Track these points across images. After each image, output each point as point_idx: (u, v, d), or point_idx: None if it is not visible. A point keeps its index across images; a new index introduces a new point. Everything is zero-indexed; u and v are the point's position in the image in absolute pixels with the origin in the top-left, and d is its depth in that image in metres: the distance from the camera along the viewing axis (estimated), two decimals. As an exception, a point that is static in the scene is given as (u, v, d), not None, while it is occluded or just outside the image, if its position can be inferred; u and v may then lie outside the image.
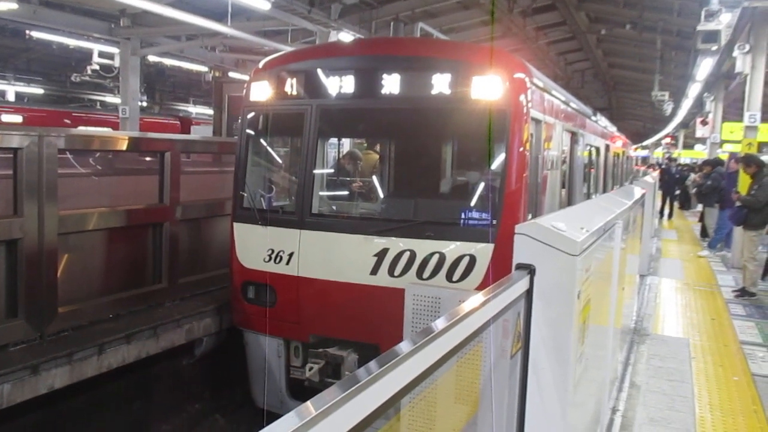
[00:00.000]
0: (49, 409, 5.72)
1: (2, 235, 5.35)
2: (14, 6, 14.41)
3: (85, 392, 5.96)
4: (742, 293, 9.96)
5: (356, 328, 6.01)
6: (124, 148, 7.08)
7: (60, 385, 5.47)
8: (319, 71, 6.36)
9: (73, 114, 23.03)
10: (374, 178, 7.72)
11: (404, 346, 1.70)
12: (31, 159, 5.43)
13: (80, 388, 5.79)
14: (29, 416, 5.55)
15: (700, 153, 35.70)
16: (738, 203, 10.31)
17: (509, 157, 5.74)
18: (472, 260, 5.64)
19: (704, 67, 17.23)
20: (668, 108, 27.75)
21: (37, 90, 29.30)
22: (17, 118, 20.35)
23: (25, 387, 5.15)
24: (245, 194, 6.66)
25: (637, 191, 7.86)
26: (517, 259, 2.94)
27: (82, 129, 19.35)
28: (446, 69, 5.86)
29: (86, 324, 6.11)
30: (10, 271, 5.45)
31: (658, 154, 53.92)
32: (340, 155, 8.26)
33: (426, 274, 5.74)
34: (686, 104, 26.60)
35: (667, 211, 22.58)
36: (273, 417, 1.20)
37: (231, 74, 22.01)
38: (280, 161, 7.63)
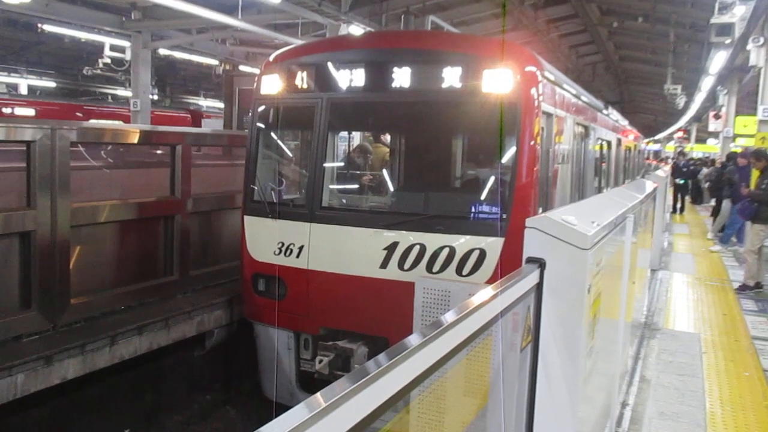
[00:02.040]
0: (61, 400, 5.78)
1: (16, 228, 5.40)
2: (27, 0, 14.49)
3: (98, 383, 6.02)
4: (742, 288, 9.92)
5: (366, 321, 6.02)
6: (136, 141, 7.12)
7: (73, 375, 5.52)
8: (330, 64, 6.35)
9: (85, 107, 23.15)
10: (384, 171, 7.72)
11: (413, 339, 1.71)
12: (43, 152, 5.48)
13: (92, 379, 5.84)
14: (43, 406, 5.62)
15: (712, 147, 35.44)
16: (748, 197, 10.25)
17: (520, 151, 5.72)
18: (483, 254, 5.63)
19: (717, 60, 17.09)
20: (681, 101, 27.57)
21: (49, 83, 29.46)
22: (30, 111, 20.49)
23: (38, 377, 5.21)
24: (256, 187, 6.68)
25: (649, 185, 7.82)
26: (527, 252, 2.94)
27: (93, 122, 19.46)
28: (457, 62, 5.84)
29: (98, 315, 6.16)
30: (23, 263, 5.51)
31: (670, 148, 53.55)
32: (351, 149, 8.26)
33: (436, 268, 5.74)
34: (699, 98, 26.44)
35: (678, 205, 22.46)
36: (283, 409, 1.21)
37: (241, 67, 22.03)
38: (290, 154, 7.64)
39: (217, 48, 21.46)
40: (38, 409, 5.60)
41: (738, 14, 12.86)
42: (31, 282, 5.52)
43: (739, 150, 17.23)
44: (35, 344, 5.41)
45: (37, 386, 5.21)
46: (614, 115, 13.94)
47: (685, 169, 23.52)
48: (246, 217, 6.70)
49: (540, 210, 5.90)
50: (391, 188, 7.47)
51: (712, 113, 25.45)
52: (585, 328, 3.03)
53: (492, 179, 6.12)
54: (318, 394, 1.30)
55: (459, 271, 5.68)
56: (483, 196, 6.11)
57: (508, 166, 5.84)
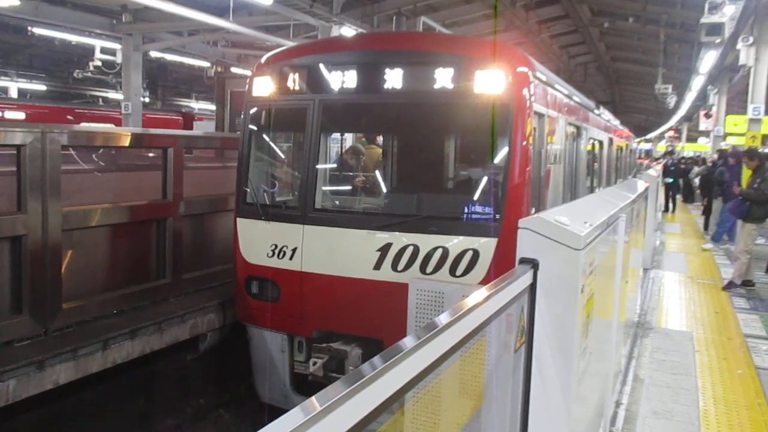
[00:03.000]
0: (54, 405, 5.75)
1: (6, 232, 5.36)
2: (16, 2, 14.41)
3: (90, 388, 5.99)
4: (729, 285, 9.97)
5: (360, 323, 6.02)
6: (127, 144, 7.08)
7: (65, 380, 5.49)
8: (322, 66, 6.35)
9: (76, 110, 23.06)
10: (377, 172, 7.72)
11: (408, 341, 1.71)
12: (34, 156, 5.44)
13: (85, 384, 5.81)
14: (35, 412, 5.58)
15: (703, 146, 35.64)
16: (740, 196, 10.29)
17: (512, 152, 5.73)
18: (476, 255, 5.64)
19: (708, 59, 17.20)
20: (671, 101, 27.72)
21: (40, 86, 29.32)
22: (20, 115, 20.38)
23: (30, 383, 5.17)
24: (248, 189, 6.67)
25: (641, 185, 7.85)
26: (520, 253, 2.94)
27: (84, 125, 19.37)
28: (449, 63, 5.84)
29: (90, 320, 6.12)
30: (14, 268, 5.47)
31: (661, 147, 53.83)
32: (343, 150, 8.25)
33: (429, 269, 5.74)
34: (690, 97, 26.60)
35: (670, 204, 22.57)
36: (277, 412, 1.21)
37: (233, 69, 21.99)
38: (283, 156, 7.63)
39: (209, 50, 21.44)
40: (31, 414, 5.56)
41: (728, 14, 12.95)
42: (23, 286, 5.48)
43: (727, 148, 17.32)
44: (27, 349, 5.37)
45: (29, 391, 5.17)
46: (606, 114, 13.99)
47: (672, 168, 23.65)
48: (239, 220, 6.68)
49: (533, 210, 5.92)
50: (384, 189, 7.47)
51: (702, 112, 25.59)
52: (578, 328, 3.03)
53: (485, 180, 6.13)
54: (313, 398, 1.29)
55: (452, 271, 5.68)
56: (476, 197, 6.12)
57: (501, 166, 5.85)
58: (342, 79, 6.22)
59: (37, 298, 5.57)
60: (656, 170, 16.82)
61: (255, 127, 6.82)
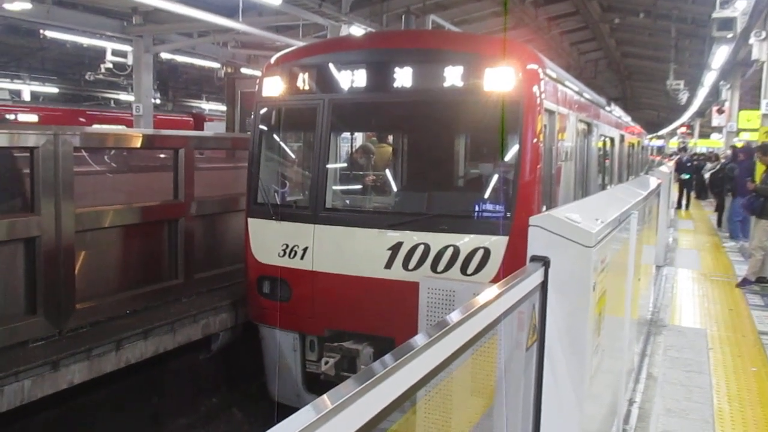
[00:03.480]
0: (69, 405, 5.79)
1: (20, 234, 5.41)
2: (28, 6, 14.52)
3: (104, 387, 6.03)
4: (743, 282, 9.89)
5: (371, 322, 6.02)
6: (139, 145, 7.12)
7: (79, 380, 5.53)
8: (331, 66, 6.36)
9: (88, 112, 23.20)
10: (387, 171, 7.72)
11: (419, 339, 1.71)
12: (47, 157, 5.48)
13: (99, 384, 5.85)
14: (50, 411, 5.63)
15: (716, 142, 35.35)
16: (754, 192, 10.20)
17: (523, 149, 5.71)
18: (487, 253, 5.63)
19: (720, 55, 17.03)
20: (683, 97, 27.46)
21: (52, 89, 29.53)
22: (33, 117, 20.54)
23: (45, 382, 5.22)
24: (259, 190, 6.69)
25: (653, 181, 7.80)
26: (531, 251, 2.93)
27: (96, 127, 19.50)
28: (459, 61, 5.83)
29: (104, 320, 6.17)
30: (28, 269, 5.52)
31: (674, 144, 53.44)
32: (353, 149, 8.26)
33: (440, 268, 5.74)
34: (702, 93, 26.34)
35: (683, 201, 22.41)
36: (289, 411, 1.21)
37: (243, 70, 22.03)
38: (293, 156, 7.65)
39: (219, 51, 21.48)
40: (46, 413, 5.61)
41: (740, 8, 12.84)
42: (37, 287, 5.53)
43: (740, 144, 17.18)
44: (41, 349, 5.42)
45: (44, 391, 5.22)
46: (617, 111, 13.91)
47: (689, 164, 23.47)
48: (250, 220, 6.70)
49: (544, 208, 5.90)
50: (395, 188, 7.47)
51: (715, 108, 25.34)
52: (591, 325, 3.02)
53: (495, 178, 6.12)
54: (325, 396, 1.30)
55: (463, 270, 5.68)
56: (486, 195, 6.11)
57: (511, 164, 5.83)
58: (352, 79, 6.23)
59: (51, 299, 5.62)
60: (668, 167, 16.72)
61: (265, 127, 6.84)
